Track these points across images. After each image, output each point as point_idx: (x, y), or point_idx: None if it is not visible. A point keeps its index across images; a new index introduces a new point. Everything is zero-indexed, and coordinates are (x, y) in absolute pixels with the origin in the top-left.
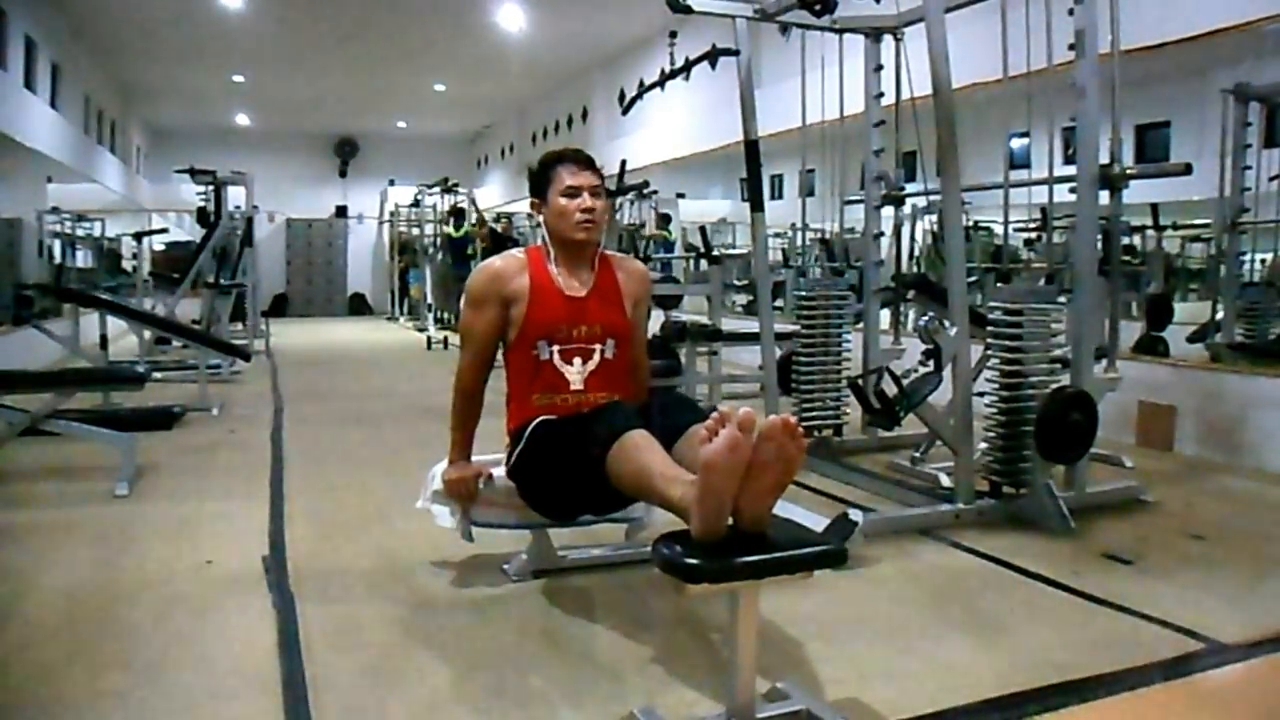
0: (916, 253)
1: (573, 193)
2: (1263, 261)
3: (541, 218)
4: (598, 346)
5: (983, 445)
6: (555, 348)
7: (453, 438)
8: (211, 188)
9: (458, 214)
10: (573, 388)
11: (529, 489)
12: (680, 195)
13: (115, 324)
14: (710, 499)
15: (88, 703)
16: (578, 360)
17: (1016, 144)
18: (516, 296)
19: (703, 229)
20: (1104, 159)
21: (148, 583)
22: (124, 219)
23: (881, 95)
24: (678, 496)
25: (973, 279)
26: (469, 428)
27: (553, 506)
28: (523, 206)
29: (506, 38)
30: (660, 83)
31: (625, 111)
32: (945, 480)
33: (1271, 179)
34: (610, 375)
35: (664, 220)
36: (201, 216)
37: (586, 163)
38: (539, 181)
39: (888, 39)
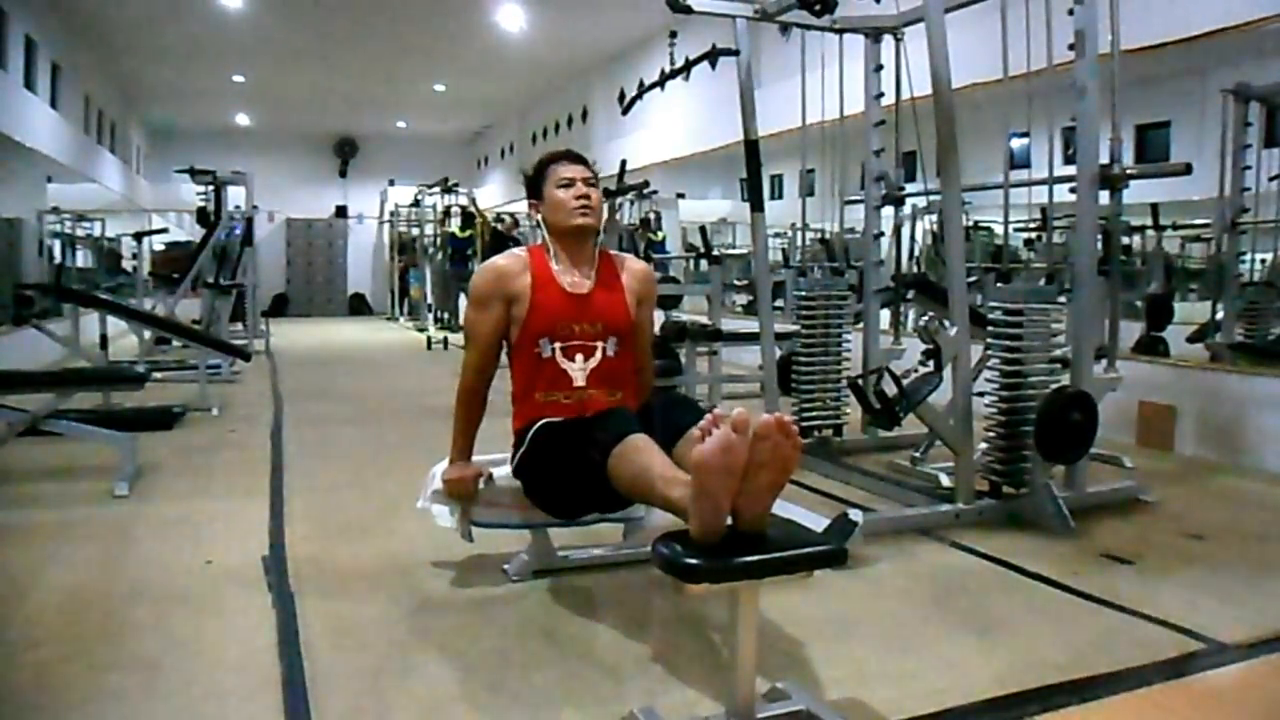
0: (916, 253)
1: (567, 183)
2: (1263, 261)
3: (540, 216)
4: (599, 344)
5: (983, 445)
6: (557, 345)
7: (454, 438)
8: (211, 188)
9: (466, 216)
10: (575, 384)
11: (534, 489)
12: (680, 195)
13: (115, 324)
14: (705, 500)
15: (88, 703)
16: (579, 357)
17: (1016, 144)
18: (519, 295)
19: (703, 229)
20: (1104, 159)
21: (148, 583)
22: (124, 219)
23: (881, 95)
24: (676, 497)
25: (973, 279)
26: (472, 428)
27: (557, 505)
28: (523, 206)
29: (506, 38)
30: (660, 83)
31: (625, 111)
32: (945, 480)
33: (1271, 179)
34: (612, 373)
35: (646, 223)
36: (201, 216)
37: (578, 158)
38: (534, 182)
39: (888, 39)
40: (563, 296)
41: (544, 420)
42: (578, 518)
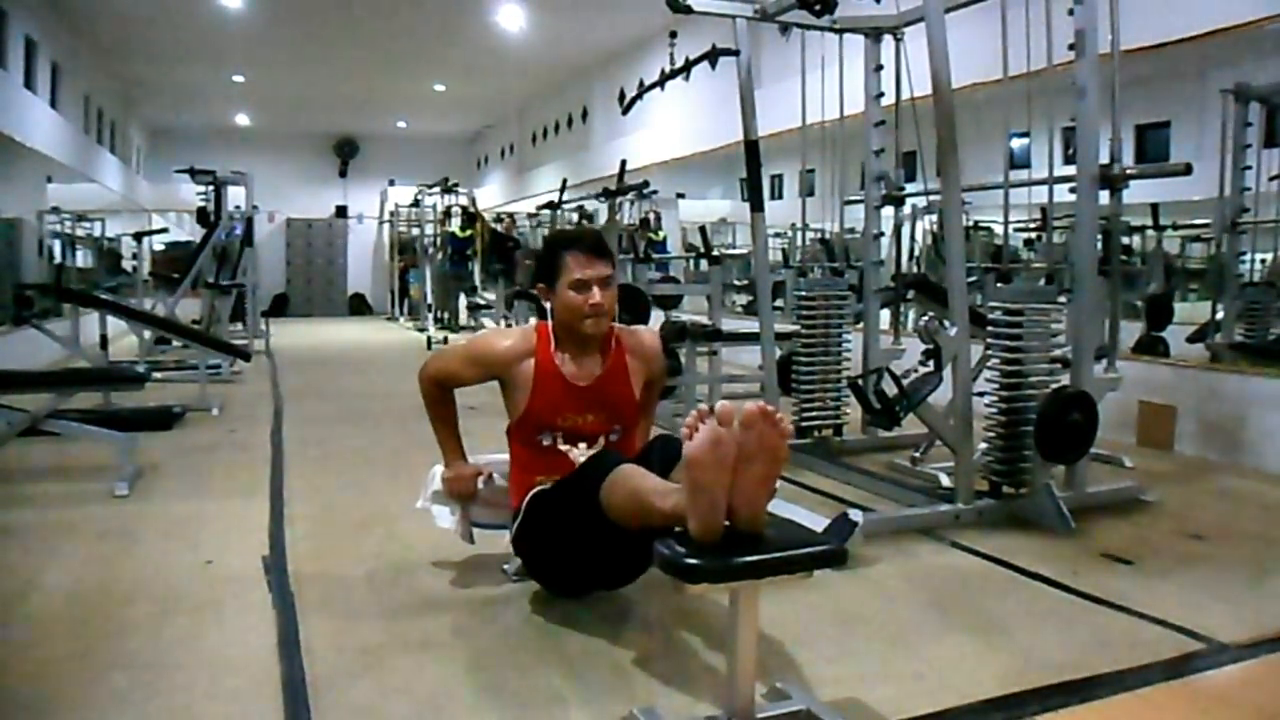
0: (916, 253)
1: (581, 286)
2: (1263, 261)
3: (548, 304)
4: (602, 433)
5: (983, 445)
6: (559, 433)
7: (439, 439)
8: (211, 188)
9: (467, 216)
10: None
11: (535, 559)
12: (680, 195)
13: (115, 324)
14: (701, 497)
15: (88, 703)
16: (583, 444)
17: (1016, 144)
18: (518, 381)
19: (703, 229)
20: (1104, 159)
21: (148, 583)
22: (124, 219)
23: (881, 95)
24: (672, 505)
25: (973, 279)
26: (451, 426)
27: (560, 575)
28: (522, 206)
29: (506, 38)
30: (660, 83)
31: (625, 111)
32: (945, 480)
33: (1271, 179)
34: None
35: (646, 223)
36: (201, 216)
37: (596, 249)
38: (547, 268)
39: (888, 39)
40: (565, 390)
41: (538, 489)
42: (581, 593)
